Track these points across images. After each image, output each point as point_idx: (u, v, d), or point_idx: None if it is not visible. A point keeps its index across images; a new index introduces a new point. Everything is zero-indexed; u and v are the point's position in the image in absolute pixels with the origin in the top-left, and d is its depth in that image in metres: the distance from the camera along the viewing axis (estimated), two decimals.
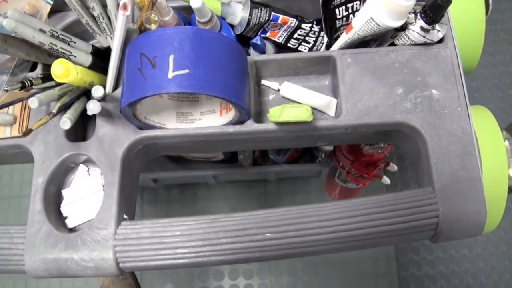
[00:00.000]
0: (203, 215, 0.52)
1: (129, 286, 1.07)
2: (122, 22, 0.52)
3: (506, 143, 0.60)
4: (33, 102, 0.49)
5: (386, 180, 0.87)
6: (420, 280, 1.26)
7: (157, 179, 1.18)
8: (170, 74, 0.46)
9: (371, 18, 0.52)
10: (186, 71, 0.47)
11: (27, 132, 0.49)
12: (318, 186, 1.31)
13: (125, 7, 0.50)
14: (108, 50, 0.63)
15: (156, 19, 0.55)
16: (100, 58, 0.60)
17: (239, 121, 0.55)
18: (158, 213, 1.31)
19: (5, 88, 0.50)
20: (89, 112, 0.51)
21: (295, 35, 0.65)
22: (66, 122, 0.51)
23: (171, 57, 0.47)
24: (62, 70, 0.48)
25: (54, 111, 0.52)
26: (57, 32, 0.56)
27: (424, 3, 0.54)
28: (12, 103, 0.52)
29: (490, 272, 1.26)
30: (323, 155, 1.07)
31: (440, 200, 0.52)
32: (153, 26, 0.55)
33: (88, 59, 0.58)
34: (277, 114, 0.52)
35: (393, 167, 0.85)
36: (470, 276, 1.26)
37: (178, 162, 1.14)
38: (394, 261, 1.27)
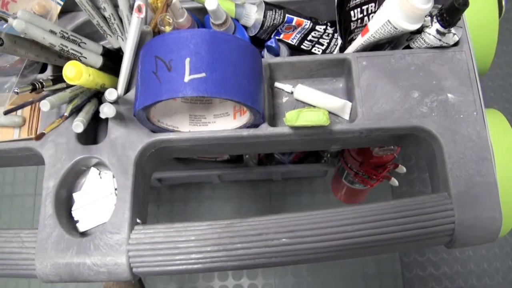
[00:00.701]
0: (217, 220, 0.52)
1: (133, 286, 1.06)
2: (137, 25, 0.51)
3: None
4: (45, 105, 0.48)
5: (394, 181, 0.87)
6: (425, 281, 1.25)
7: (162, 179, 1.18)
8: (187, 78, 0.46)
9: (388, 21, 0.52)
10: (203, 74, 0.46)
11: (40, 136, 0.49)
12: (323, 186, 1.31)
13: (140, 9, 0.50)
14: (118, 51, 0.62)
15: (171, 21, 0.54)
16: (110, 59, 0.59)
17: (253, 124, 0.54)
18: (162, 212, 1.30)
19: (16, 90, 0.49)
20: (103, 116, 0.50)
21: (309, 37, 0.64)
22: (78, 125, 0.50)
23: (187, 60, 0.46)
24: (74, 73, 0.47)
25: (66, 114, 0.51)
26: (67, 33, 0.55)
27: (440, 6, 0.53)
28: (23, 105, 0.51)
29: (495, 273, 1.26)
30: (328, 155, 1.07)
31: (456, 205, 0.51)
32: (168, 28, 0.54)
33: (98, 61, 0.57)
34: (293, 118, 0.51)
35: (402, 168, 0.85)
36: (475, 277, 1.26)
37: (183, 161, 1.13)
38: (398, 262, 1.26)
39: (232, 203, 1.31)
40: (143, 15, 0.50)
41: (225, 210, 1.30)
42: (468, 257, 1.28)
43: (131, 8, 0.57)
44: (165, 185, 1.28)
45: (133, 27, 0.51)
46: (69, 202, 0.56)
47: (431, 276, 1.26)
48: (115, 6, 0.58)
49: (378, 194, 1.28)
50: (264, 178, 1.29)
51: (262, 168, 1.12)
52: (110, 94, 0.51)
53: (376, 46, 0.58)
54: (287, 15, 0.61)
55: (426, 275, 1.26)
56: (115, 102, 0.53)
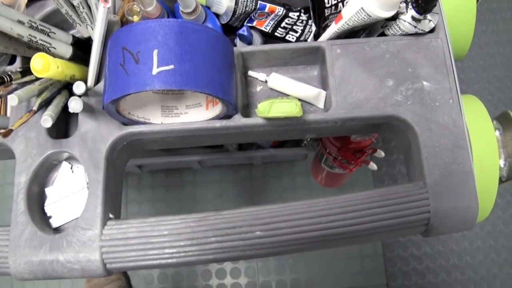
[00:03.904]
0: (191, 213, 0.51)
1: (118, 279, 1.07)
2: (103, 15, 0.49)
3: (497, 133, 0.60)
4: (13, 100, 0.47)
5: (373, 166, 0.87)
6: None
7: (142, 165, 1.17)
8: (155, 70, 0.45)
9: (362, 8, 0.51)
10: (171, 66, 0.45)
11: (8, 133, 0.47)
12: (304, 169, 1.31)
13: None
14: (89, 40, 0.60)
15: (139, 10, 0.52)
16: (81, 49, 0.57)
17: (226, 115, 0.53)
18: (143, 198, 1.29)
19: None
20: (71, 110, 0.49)
21: (283, 24, 0.63)
22: (47, 120, 0.49)
23: (155, 52, 0.45)
24: (41, 65, 0.46)
25: (35, 108, 0.50)
26: (36, 23, 0.53)
27: None
28: None
29: (476, 252, 1.28)
30: (308, 139, 1.07)
31: (431, 195, 0.51)
32: (136, 18, 0.53)
33: (68, 51, 0.55)
34: (265, 109, 0.50)
35: (380, 153, 0.85)
36: (456, 256, 1.27)
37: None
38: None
39: (213, 188, 1.30)
40: (109, 4, 0.48)
41: (207, 194, 1.30)
42: (450, 236, 1.29)
43: None
44: (145, 171, 1.27)
45: (100, 18, 0.50)
46: (42, 197, 0.55)
47: (412, 257, 1.27)
48: None
49: (360, 176, 1.28)
50: (245, 162, 1.28)
51: (242, 153, 1.11)
52: (78, 88, 0.49)
53: (350, 33, 0.57)
54: (259, 1, 0.60)
55: (407, 256, 1.27)
56: (84, 94, 0.52)
